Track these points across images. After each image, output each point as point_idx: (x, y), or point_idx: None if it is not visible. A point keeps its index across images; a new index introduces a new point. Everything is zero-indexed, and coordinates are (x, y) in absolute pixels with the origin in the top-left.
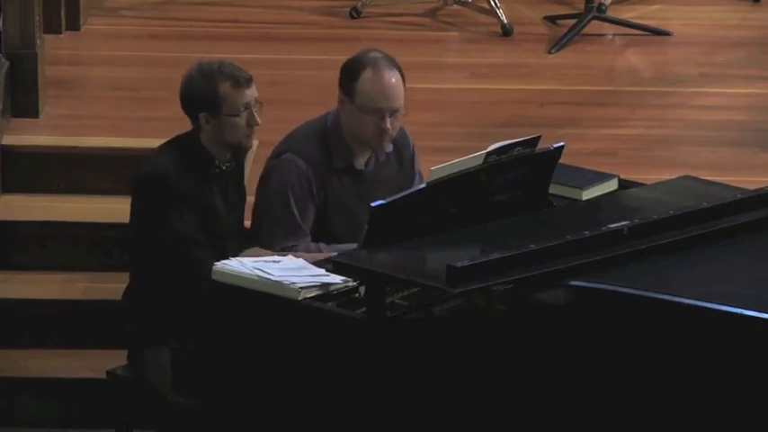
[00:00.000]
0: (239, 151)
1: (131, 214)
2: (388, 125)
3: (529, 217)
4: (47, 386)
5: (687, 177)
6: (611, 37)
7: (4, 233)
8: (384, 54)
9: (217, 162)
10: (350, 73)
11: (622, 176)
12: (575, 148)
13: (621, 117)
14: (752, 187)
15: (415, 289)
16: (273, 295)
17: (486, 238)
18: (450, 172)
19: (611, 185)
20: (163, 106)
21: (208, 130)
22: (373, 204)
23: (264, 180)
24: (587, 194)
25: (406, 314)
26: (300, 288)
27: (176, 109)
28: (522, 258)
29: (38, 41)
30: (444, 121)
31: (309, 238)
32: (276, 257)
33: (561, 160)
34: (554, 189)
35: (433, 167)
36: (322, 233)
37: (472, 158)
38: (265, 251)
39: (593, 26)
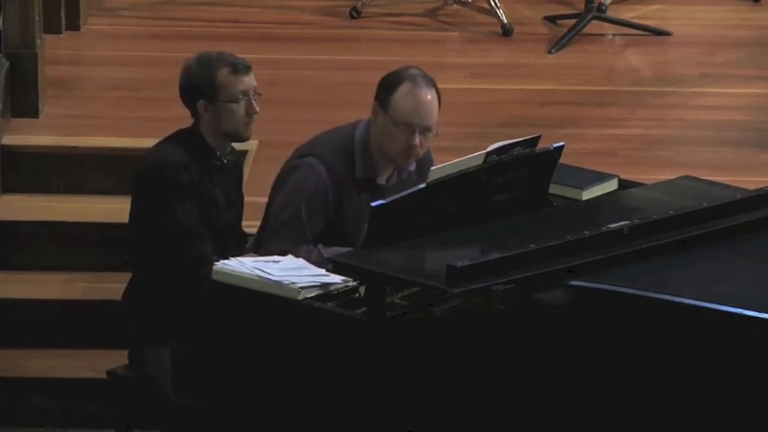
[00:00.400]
0: (238, 141)
1: (132, 209)
2: (417, 142)
3: (529, 217)
4: (47, 386)
5: (687, 177)
6: (611, 37)
7: (4, 233)
8: (423, 72)
9: (218, 154)
10: (387, 86)
11: (622, 176)
12: (575, 148)
13: (621, 117)
14: (752, 187)
15: (415, 289)
16: (273, 295)
17: (486, 238)
18: (450, 172)
19: (611, 185)
20: (163, 106)
21: (207, 118)
22: (373, 204)
23: (282, 179)
24: (587, 194)
25: (406, 314)
26: (300, 288)
27: (176, 109)
28: (522, 258)
29: (38, 41)
30: (444, 121)
31: (311, 246)
32: (276, 257)
33: (561, 160)
34: (554, 189)
35: (433, 167)
36: (336, 244)
37: (472, 158)
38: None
39: (593, 26)
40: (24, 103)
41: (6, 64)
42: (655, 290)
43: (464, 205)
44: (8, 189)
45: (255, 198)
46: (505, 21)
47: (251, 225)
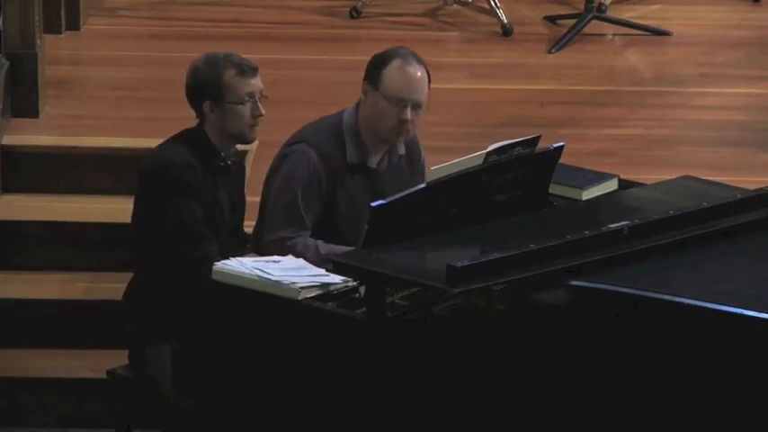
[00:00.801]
0: (243, 143)
1: (135, 208)
2: (409, 116)
3: (529, 217)
4: (47, 386)
5: (687, 177)
6: (611, 37)
7: (4, 233)
8: (412, 51)
9: (223, 155)
10: (378, 63)
11: (622, 176)
12: (575, 148)
13: (621, 117)
14: (752, 187)
15: (415, 289)
16: (273, 295)
17: (486, 238)
18: (450, 172)
19: (611, 185)
20: (163, 106)
21: (212, 119)
22: (373, 204)
23: (274, 168)
24: (587, 194)
25: (406, 314)
26: (300, 288)
27: (177, 109)
28: (522, 258)
29: (38, 41)
30: (444, 121)
31: (309, 233)
32: (276, 257)
33: (561, 160)
34: (554, 189)
35: (432, 167)
36: (330, 228)
37: (472, 158)
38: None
39: (593, 26)
40: (24, 103)
41: (6, 64)
42: (655, 290)
43: (464, 205)
44: (8, 189)
45: (255, 198)
46: (505, 21)
47: (251, 225)
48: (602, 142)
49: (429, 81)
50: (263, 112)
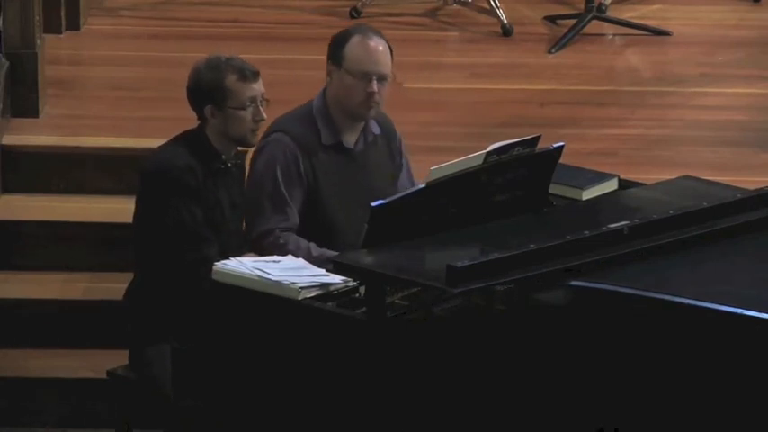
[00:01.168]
0: (244, 146)
1: (136, 210)
2: (375, 89)
3: (529, 217)
4: (47, 386)
5: (687, 177)
6: (611, 37)
7: (4, 233)
8: (371, 26)
9: (223, 158)
10: (338, 41)
11: (622, 176)
12: (575, 148)
13: (621, 117)
14: (752, 187)
15: (415, 289)
16: (273, 295)
17: (486, 238)
18: (450, 172)
19: (611, 185)
20: (163, 106)
21: (213, 123)
22: (373, 204)
23: (253, 160)
24: (587, 194)
25: (406, 314)
26: (300, 288)
27: (176, 109)
28: (522, 258)
29: (38, 41)
30: (444, 121)
31: (297, 219)
32: (276, 257)
33: (561, 160)
34: (554, 189)
35: (433, 167)
36: (317, 214)
37: (472, 158)
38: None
39: (593, 26)
40: (24, 103)
41: (6, 64)
42: (655, 290)
43: (464, 205)
44: (8, 189)
45: None
46: (505, 21)
47: None
48: (602, 142)
49: (391, 53)
50: (265, 116)
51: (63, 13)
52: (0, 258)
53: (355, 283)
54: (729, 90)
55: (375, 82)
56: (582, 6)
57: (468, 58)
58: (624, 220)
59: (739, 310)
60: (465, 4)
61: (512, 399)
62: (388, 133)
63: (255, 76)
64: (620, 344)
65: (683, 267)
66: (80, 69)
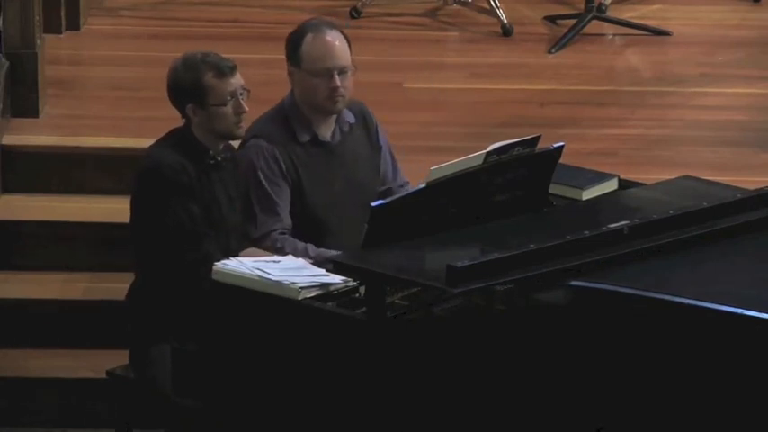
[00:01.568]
0: (231, 140)
1: (133, 212)
2: (338, 83)
3: (529, 217)
4: (47, 386)
5: (687, 177)
6: (611, 37)
7: (4, 233)
8: (324, 19)
9: (211, 153)
10: (293, 42)
11: (622, 176)
12: (575, 148)
13: (621, 117)
14: (752, 187)
15: (415, 289)
16: (273, 295)
17: (486, 238)
18: (450, 172)
19: (611, 185)
20: (163, 106)
21: (197, 121)
22: (373, 204)
23: (240, 171)
24: (587, 194)
25: (406, 314)
26: (300, 288)
27: (176, 109)
28: (522, 258)
29: (38, 41)
30: (444, 121)
31: (290, 220)
32: (276, 257)
33: (561, 160)
34: (554, 189)
35: (433, 167)
36: (299, 209)
37: (472, 158)
38: (261, 252)
39: (593, 26)
40: (24, 103)
41: (6, 64)
42: (655, 290)
43: (464, 205)
44: (8, 189)
45: None
46: (505, 21)
47: None
48: (602, 142)
49: (348, 42)
50: (247, 108)
51: (63, 13)
52: (0, 258)
53: (355, 283)
54: (729, 90)
55: (336, 76)
56: (582, 6)
57: (468, 58)
58: (624, 220)
59: (739, 310)
60: (465, 4)
61: (512, 399)
62: (363, 118)
63: (233, 70)
64: (621, 344)
65: (683, 267)
66: (80, 69)
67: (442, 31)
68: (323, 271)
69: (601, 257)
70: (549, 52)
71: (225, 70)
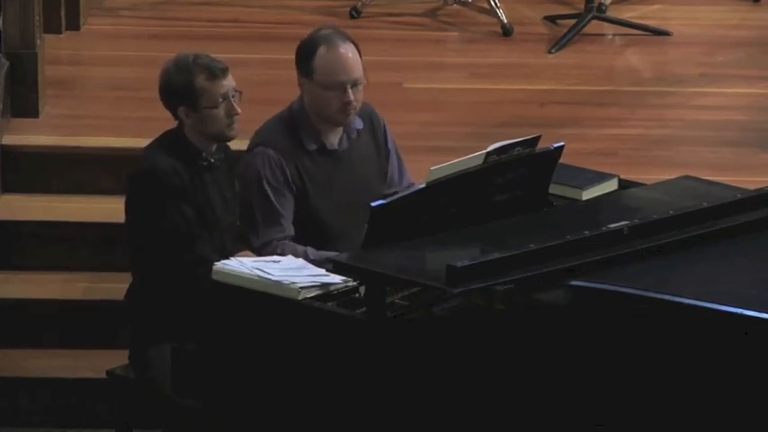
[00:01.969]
0: (223, 141)
1: (127, 215)
2: (351, 97)
3: (529, 217)
4: (47, 386)
5: (687, 177)
6: (611, 37)
7: (4, 233)
8: (336, 29)
9: (204, 155)
10: (305, 53)
11: (622, 176)
12: (575, 148)
13: (621, 117)
14: (752, 187)
15: (415, 289)
16: (273, 295)
17: (486, 238)
18: (450, 172)
19: (611, 185)
20: (162, 106)
21: (189, 123)
22: (373, 204)
23: (241, 177)
24: (587, 194)
25: (405, 314)
26: (300, 288)
27: None
28: (522, 258)
29: (38, 41)
30: (444, 121)
31: (292, 229)
32: (276, 257)
33: (561, 160)
34: (554, 189)
35: (432, 167)
36: (305, 217)
37: (472, 158)
38: (255, 255)
39: (593, 26)
40: (24, 103)
41: (6, 64)
42: (655, 290)
43: (464, 205)
44: (8, 189)
45: None
46: (505, 21)
47: None
48: (602, 142)
49: (359, 53)
50: (239, 110)
51: (63, 13)
52: (0, 258)
53: (355, 283)
54: (729, 90)
55: (350, 89)
56: (582, 6)
57: (468, 58)
58: (624, 220)
59: (739, 310)
60: (465, 4)
61: (512, 399)
62: (371, 122)
63: (224, 72)
64: (621, 344)
65: (683, 267)
66: (80, 69)
67: (442, 31)
68: (323, 271)
69: (601, 257)
70: (549, 52)
71: (216, 72)
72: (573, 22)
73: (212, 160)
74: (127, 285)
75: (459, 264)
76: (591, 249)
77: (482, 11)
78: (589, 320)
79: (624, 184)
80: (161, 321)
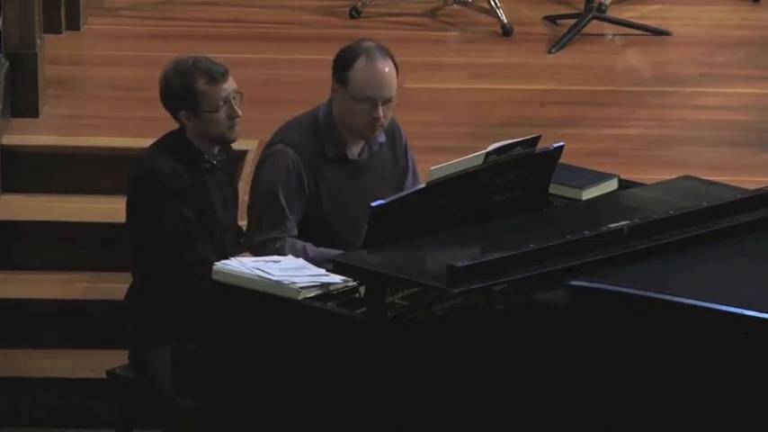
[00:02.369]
0: (224, 143)
1: (128, 216)
2: (381, 114)
3: (529, 217)
4: (47, 386)
5: (687, 177)
6: (611, 37)
7: (4, 233)
8: (377, 44)
9: (206, 157)
10: (343, 62)
11: (622, 176)
12: (575, 148)
13: (621, 117)
14: (752, 187)
15: (415, 289)
16: (273, 295)
17: (486, 238)
18: (450, 172)
19: (611, 185)
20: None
21: (191, 126)
22: (373, 204)
23: (256, 171)
24: (587, 194)
25: (405, 314)
26: (300, 288)
27: None
28: (522, 258)
29: (38, 41)
30: (444, 121)
31: (296, 231)
32: (276, 257)
33: (561, 160)
34: (554, 189)
35: (432, 167)
36: (317, 224)
37: (472, 158)
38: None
39: (593, 26)
40: (24, 103)
41: (6, 64)
42: (655, 290)
43: (464, 205)
44: (8, 189)
45: None
46: (505, 21)
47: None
48: (602, 142)
49: (396, 71)
50: (240, 113)
51: (63, 13)
52: (0, 258)
53: (355, 283)
54: (729, 90)
55: (380, 106)
56: (582, 6)
57: (468, 58)
58: (624, 220)
59: (739, 310)
60: (465, 4)
61: (512, 399)
62: (394, 137)
63: (225, 75)
64: (621, 344)
65: (683, 267)
66: (80, 69)
67: (442, 31)
68: (323, 271)
69: (601, 257)
70: (549, 52)
71: (216, 76)
72: (573, 22)
73: (214, 162)
74: (127, 285)
75: (459, 264)
76: (591, 249)
77: (482, 11)
78: (589, 320)
79: (624, 184)
80: (161, 322)
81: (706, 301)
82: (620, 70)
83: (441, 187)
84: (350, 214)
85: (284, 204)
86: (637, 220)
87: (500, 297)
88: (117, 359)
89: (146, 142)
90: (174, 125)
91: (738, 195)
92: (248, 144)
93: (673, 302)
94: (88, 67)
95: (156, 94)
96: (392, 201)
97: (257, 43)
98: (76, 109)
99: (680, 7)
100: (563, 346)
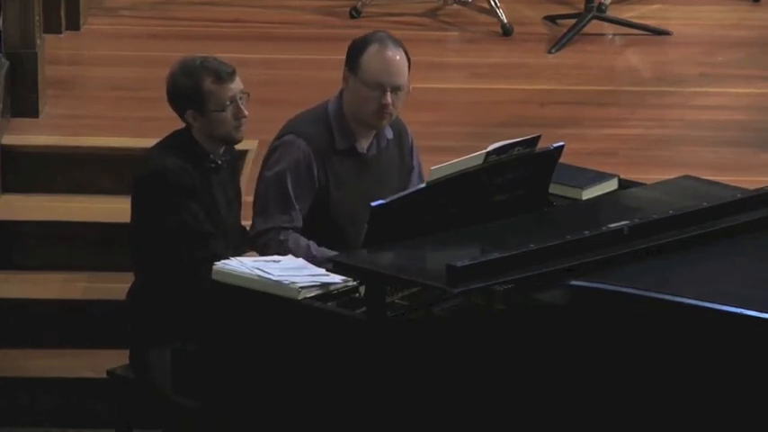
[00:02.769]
0: (231, 143)
1: (134, 214)
2: (389, 101)
3: (529, 217)
4: (47, 386)
5: (687, 177)
6: (611, 37)
7: (5, 233)
8: (390, 35)
9: (212, 156)
10: (356, 50)
11: (622, 176)
12: (575, 148)
13: (621, 117)
14: (752, 187)
15: (415, 289)
16: (273, 295)
17: (486, 238)
18: (450, 172)
19: (611, 185)
20: (163, 106)
21: (197, 126)
22: (373, 204)
23: (265, 160)
24: (587, 194)
25: (405, 314)
26: (300, 288)
27: None
28: (522, 258)
29: (38, 41)
30: (444, 121)
31: (301, 222)
32: (276, 257)
33: (561, 160)
34: (554, 189)
35: (433, 167)
36: (323, 217)
37: (472, 158)
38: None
39: (593, 26)
40: (24, 103)
41: (6, 64)
42: (655, 290)
43: (464, 205)
44: (8, 189)
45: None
46: (505, 21)
47: (247, 224)
48: (602, 142)
49: (408, 62)
50: (246, 113)
51: (63, 13)
52: (0, 258)
53: (355, 283)
54: (729, 90)
55: (389, 93)
56: (582, 6)
57: (468, 58)
58: (624, 220)
59: (739, 310)
60: (465, 4)
61: (512, 399)
62: (400, 136)
63: (232, 75)
64: (621, 344)
65: (683, 267)
66: (80, 69)
67: (442, 31)
68: (323, 271)
69: (601, 257)
70: (549, 52)
71: (224, 75)
72: (573, 21)
73: (219, 162)
74: (127, 285)
75: (459, 264)
76: (591, 249)
77: (482, 11)
78: (589, 320)
79: (624, 184)
80: (162, 322)
81: (706, 301)
82: (620, 70)
83: (441, 187)
84: (354, 208)
85: (292, 194)
86: (637, 220)
87: (500, 297)
88: (117, 359)
89: (146, 142)
90: (174, 125)
91: (738, 195)
92: (248, 144)
93: (673, 302)
94: (88, 67)
95: (157, 94)
96: (392, 200)
97: (257, 43)
98: (76, 109)
99: (680, 7)
100: (563, 346)
